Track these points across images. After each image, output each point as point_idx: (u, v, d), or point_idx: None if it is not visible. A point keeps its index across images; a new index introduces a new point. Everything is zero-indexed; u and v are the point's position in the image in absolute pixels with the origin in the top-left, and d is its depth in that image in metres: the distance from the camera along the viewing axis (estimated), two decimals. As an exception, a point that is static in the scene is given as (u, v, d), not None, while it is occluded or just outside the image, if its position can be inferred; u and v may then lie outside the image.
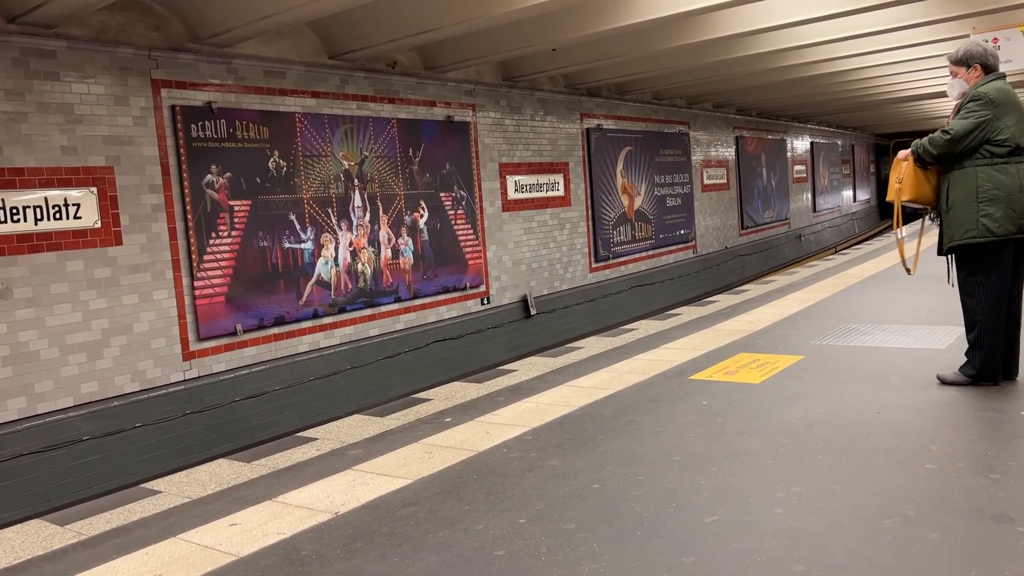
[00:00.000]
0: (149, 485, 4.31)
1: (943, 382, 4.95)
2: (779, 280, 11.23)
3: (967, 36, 11.17)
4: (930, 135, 4.76)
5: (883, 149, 35.11)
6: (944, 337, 6.29)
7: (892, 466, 3.70)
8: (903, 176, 4.87)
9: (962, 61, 4.84)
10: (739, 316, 8.22)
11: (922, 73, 17.10)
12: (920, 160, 4.81)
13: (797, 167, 25.66)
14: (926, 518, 3.10)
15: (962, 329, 4.98)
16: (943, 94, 20.36)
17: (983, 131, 4.55)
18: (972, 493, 3.32)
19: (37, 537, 3.65)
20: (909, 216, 23.42)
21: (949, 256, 4.83)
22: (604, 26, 9.78)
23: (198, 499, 4.00)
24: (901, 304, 8.19)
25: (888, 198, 5.00)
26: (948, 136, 4.61)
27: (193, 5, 8.13)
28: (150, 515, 3.83)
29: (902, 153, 4.94)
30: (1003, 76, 4.80)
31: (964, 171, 4.64)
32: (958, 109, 4.77)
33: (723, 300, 9.60)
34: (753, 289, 10.37)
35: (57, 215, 7.32)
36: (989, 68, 4.80)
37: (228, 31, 8.16)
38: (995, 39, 11.17)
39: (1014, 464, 3.62)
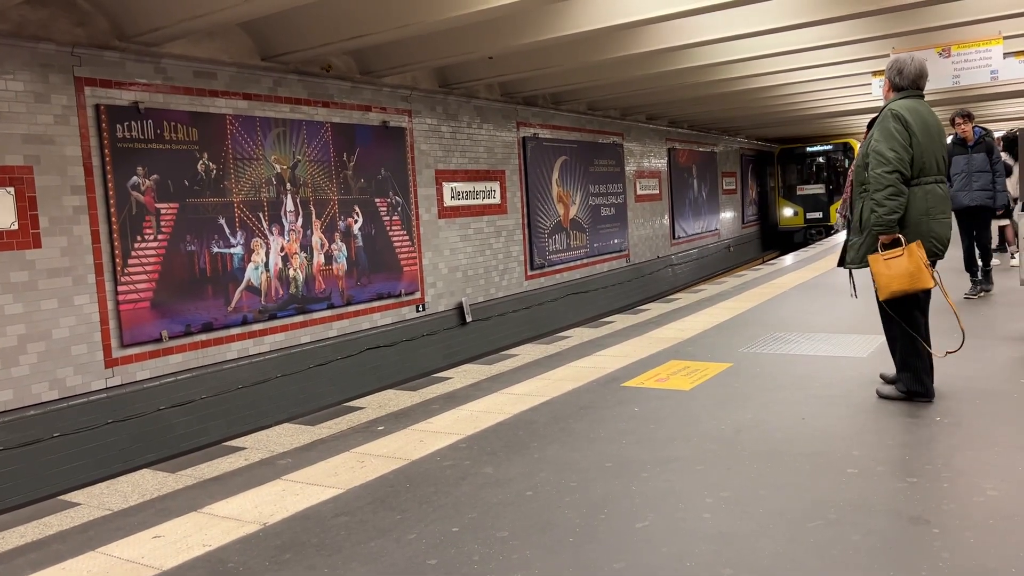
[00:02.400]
0: (67, 497, 4.15)
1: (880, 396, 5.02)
2: (709, 289, 11.46)
3: (887, 56, 11.59)
4: (872, 196, 4.55)
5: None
6: (865, 346, 6.50)
7: (816, 471, 3.80)
8: (906, 266, 4.50)
9: (885, 71, 4.95)
10: (670, 324, 8.36)
11: (848, 90, 17.72)
12: (888, 225, 4.54)
13: (727, 180, 26.24)
14: (848, 521, 3.20)
15: (882, 338, 5.15)
16: (866, 110, 21.17)
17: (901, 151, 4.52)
18: (891, 496, 3.44)
19: (-56, 553, 3.47)
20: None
21: (850, 271, 4.99)
22: (540, 36, 9.86)
23: (119, 511, 3.87)
24: (825, 313, 8.44)
25: (924, 284, 4.51)
26: (887, 168, 4.49)
27: (119, 1, 7.89)
28: (68, 528, 3.68)
29: (889, 251, 4.58)
30: (918, 96, 4.76)
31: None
32: (871, 122, 4.85)
33: (655, 308, 9.76)
34: (684, 298, 10.57)
35: (-30, 216, 7.01)
36: (896, 86, 4.79)
37: (156, 30, 7.94)
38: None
39: (930, 468, 3.77)
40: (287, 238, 9.98)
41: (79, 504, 4.01)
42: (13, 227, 7.31)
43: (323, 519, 3.57)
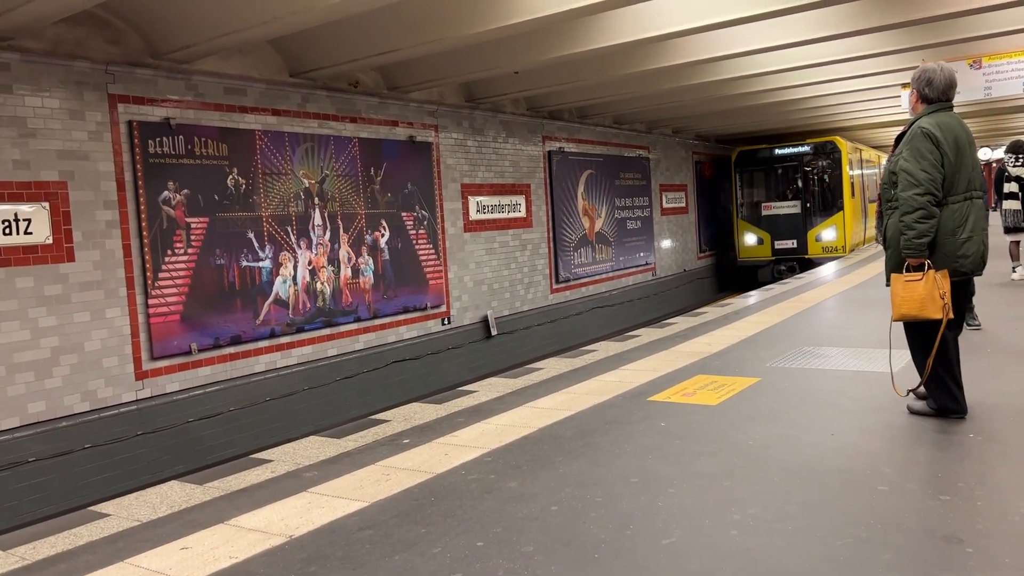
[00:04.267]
0: (97, 508, 4.19)
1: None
2: (736, 303, 11.37)
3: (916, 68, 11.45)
4: (901, 219, 4.46)
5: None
6: (896, 361, 6.41)
7: (846, 487, 3.75)
8: (921, 292, 4.42)
9: (911, 82, 4.79)
10: (697, 338, 8.30)
11: (877, 102, 17.56)
12: (918, 248, 4.43)
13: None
14: (879, 539, 3.15)
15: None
16: (895, 123, 20.96)
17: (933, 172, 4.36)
18: (923, 514, 3.38)
19: (-23, 563, 3.52)
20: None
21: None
22: (566, 50, 9.89)
23: (148, 522, 3.91)
24: (855, 327, 8.34)
25: (930, 314, 4.42)
26: (919, 191, 4.39)
27: (152, 20, 8.04)
28: (97, 539, 3.72)
29: (910, 274, 4.47)
30: (947, 108, 4.65)
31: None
32: (900, 136, 4.76)
33: (681, 322, 9.69)
34: (711, 311, 10.49)
35: (7, 230, 7.16)
36: (925, 98, 4.66)
37: (188, 47, 8.08)
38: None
39: (963, 486, 3.70)
40: (315, 252, 10.06)
41: (109, 515, 4.05)
42: (48, 241, 7.45)
43: (348, 532, 3.58)
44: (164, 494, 4.35)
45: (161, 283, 8.35)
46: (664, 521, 3.46)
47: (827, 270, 16.11)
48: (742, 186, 21.66)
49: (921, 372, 4.74)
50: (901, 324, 4.74)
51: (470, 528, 3.52)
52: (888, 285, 4.72)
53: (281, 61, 9.75)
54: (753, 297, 11.98)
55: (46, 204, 7.46)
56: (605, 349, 8.05)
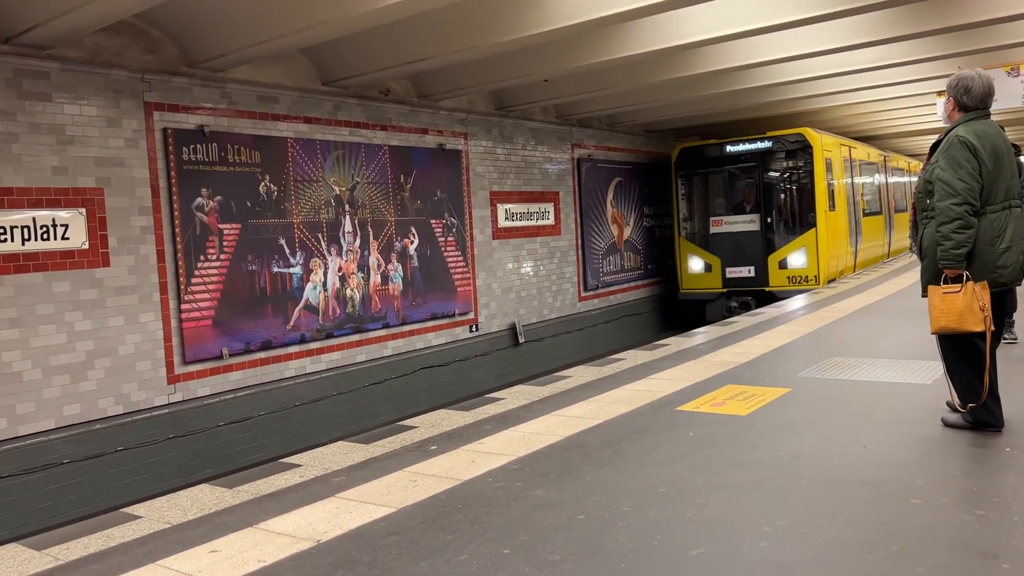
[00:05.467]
0: (129, 510, 4.25)
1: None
2: (767, 312, 11.26)
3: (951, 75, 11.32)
4: (938, 229, 4.36)
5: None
6: (930, 372, 6.31)
7: (878, 500, 3.69)
8: (960, 304, 4.32)
9: (947, 89, 4.71)
10: (727, 348, 8.23)
11: (913, 110, 17.36)
12: (956, 260, 4.33)
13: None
14: (912, 553, 3.09)
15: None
16: (932, 131, 20.70)
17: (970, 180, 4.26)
18: (958, 529, 3.32)
19: (13, 561, 3.58)
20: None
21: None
22: (596, 58, 9.89)
23: (178, 525, 3.95)
24: (888, 338, 8.22)
25: (970, 327, 4.31)
26: (956, 200, 4.31)
27: (188, 29, 8.17)
28: (129, 540, 3.77)
29: (948, 286, 4.36)
30: (985, 116, 4.55)
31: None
32: (935, 145, 4.67)
33: (711, 331, 9.62)
34: (741, 321, 10.40)
35: (45, 235, 7.30)
36: (962, 106, 4.58)
37: (222, 56, 8.20)
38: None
39: (999, 500, 3.62)
40: (345, 258, 10.14)
41: (140, 517, 4.10)
42: (84, 246, 7.58)
43: (375, 538, 3.59)
44: (195, 497, 4.39)
45: (194, 288, 8.46)
46: (692, 532, 3.43)
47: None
48: (685, 194, 16.56)
49: (956, 386, 4.66)
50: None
51: (496, 536, 3.52)
52: (925, 296, 4.64)
53: (313, 69, 9.85)
54: (785, 306, 11.83)
55: (83, 210, 7.60)
56: (633, 358, 8.01)
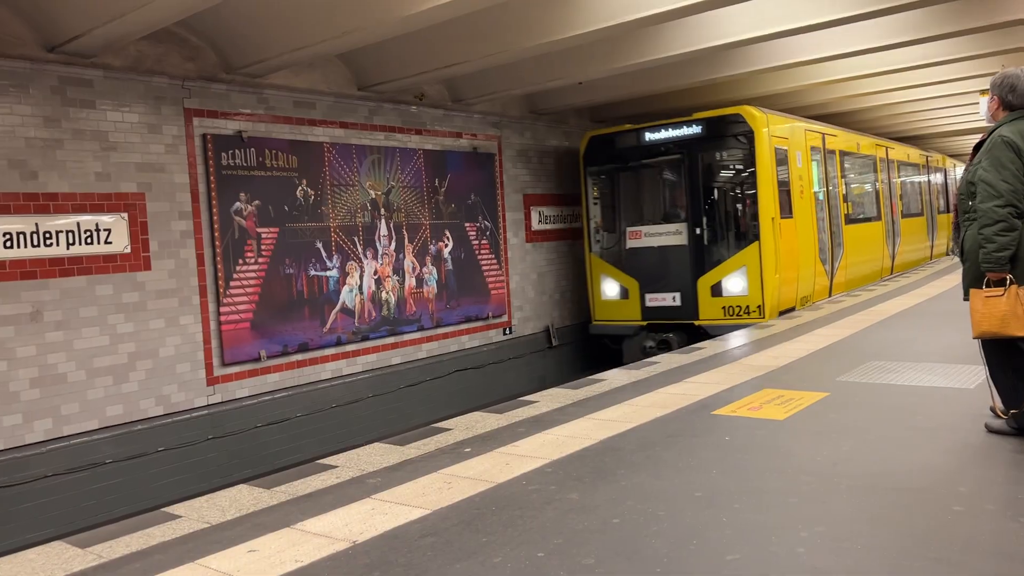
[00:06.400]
0: (170, 509, 4.32)
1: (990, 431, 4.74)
2: (804, 315, 11.12)
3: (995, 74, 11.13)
4: (980, 231, 4.27)
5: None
6: (972, 376, 6.18)
7: (918, 507, 3.62)
8: (1003, 308, 4.21)
9: (991, 87, 4.62)
10: (763, 351, 8.14)
11: (955, 109, 17.06)
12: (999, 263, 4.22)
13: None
14: (953, 561, 3.03)
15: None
16: (973, 131, 20.31)
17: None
18: (1001, 537, 3.25)
19: (59, 559, 3.66)
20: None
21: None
22: (632, 60, 9.86)
23: (217, 524, 4.01)
24: (929, 342, 8.07)
25: (1013, 331, 4.17)
26: (999, 202, 4.21)
27: (227, 36, 8.31)
28: (169, 539, 3.83)
29: (991, 289, 4.24)
30: None
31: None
32: (978, 145, 4.58)
33: (748, 335, 9.52)
34: (778, 324, 10.28)
35: (88, 240, 7.46)
36: (1007, 104, 4.46)
37: (260, 62, 8.32)
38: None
39: (1045, 508, 3.54)
40: (380, 261, 10.22)
41: (180, 516, 4.17)
42: (126, 250, 7.73)
43: (410, 539, 3.61)
44: (233, 497, 4.45)
45: (232, 291, 8.58)
46: (728, 537, 3.40)
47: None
48: (598, 197, 13.05)
49: (1000, 391, 4.57)
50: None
51: (531, 539, 3.52)
52: (966, 300, 4.55)
53: (349, 75, 9.96)
54: (823, 308, 11.65)
55: (125, 215, 7.75)
56: (668, 361, 7.96)
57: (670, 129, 11.88)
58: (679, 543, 3.37)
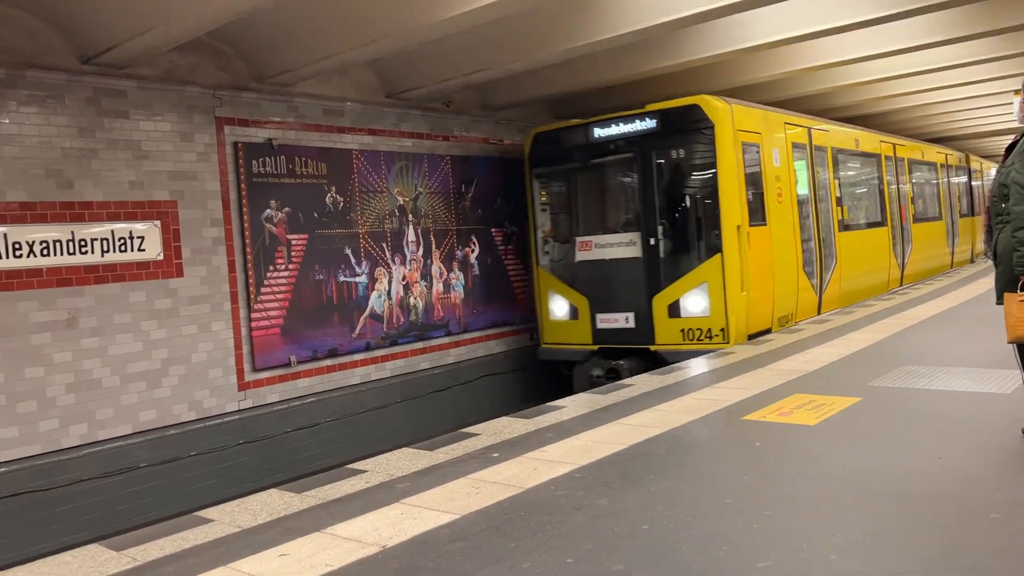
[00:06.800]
0: (202, 513, 4.37)
1: None
2: (835, 320, 10.99)
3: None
4: (1014, 234, 4.22)
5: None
6: (1010, 381, 6.07)
7: (954, 514, 3.57)
8: None
9: (1023, 87, 4.60)
10: (794, 356, 8.06)
11: (990, 109, 16.82)
12: None
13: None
14: (988, 569, 2.98)
15: (1028, 373, 4.77)
16: (1007, 132, 19.98)
17: None
18: (1040, 545, 3.18)
19: (94, 562, 3.72)
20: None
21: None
22: (662, 63, 9.83)
23: (249, 528, 4.05)
24: (964, 346, 7.94)
25: None
26: None
27: (257, 45, 8.41)
28: (202, 543, 3.88)
29: None
30: None
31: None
32: (1011, 146, 4.51)
33: (778, 339, 9.43)
34: (808, 328, 10.17)
35: (122, 247, 7.58)
36: None
37: (290, 71, 8.42)
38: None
39: (1085, 516, 3.47)
40: (409, 267, 10.27)
41: (213, 520, 4.22)
42: (159, 257, 7.85)
43: (439, 544, 3.62)
44: (264, 502, 4.50)
45: (263, 297, 8.67)
46: (759, 543, 3.37)
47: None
48: (545, 203, 11.60)
49: None
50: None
51: (559, 544, 3.51)
52: (1000, 304, 4.48)
53: (377, 82, 10.03)
54: (855, 313, 11.49)
55: (158, 222, 7.87)
56: (697, 366, 7.91)
57: (621, 124, 10.34)
58: (709, 549, 3.34)
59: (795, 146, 11.24)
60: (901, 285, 15.00)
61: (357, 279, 9.65)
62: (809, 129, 11.80)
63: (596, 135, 10.52)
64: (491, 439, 5.53)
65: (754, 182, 10.16)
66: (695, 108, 9.71)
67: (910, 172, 16.19)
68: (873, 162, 14.53)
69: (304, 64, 8.27)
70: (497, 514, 3.97)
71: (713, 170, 9.79)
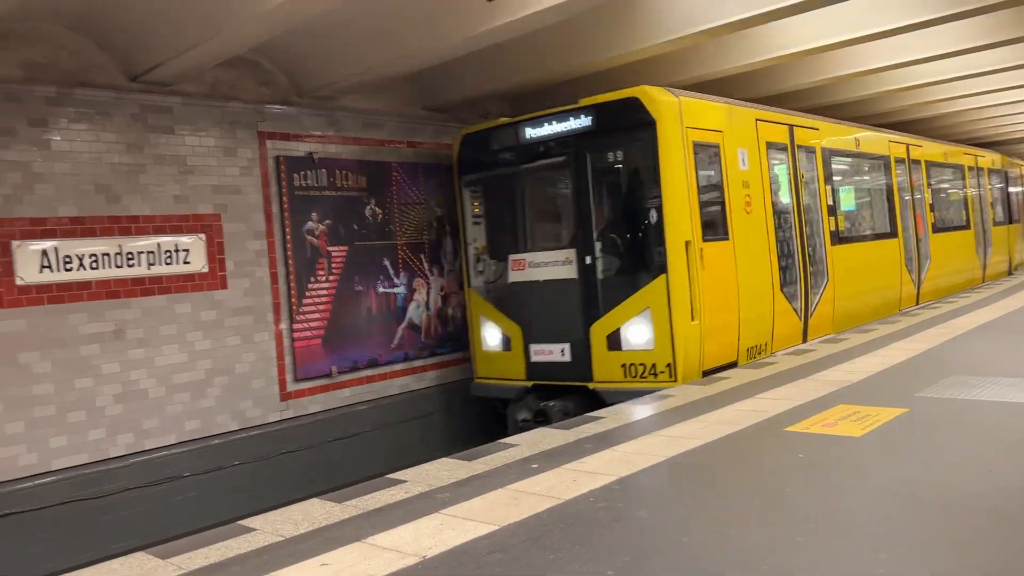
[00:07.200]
0: (245, 522, 4.42)
1: None
2: (881, 329, 10.79)
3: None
4: None
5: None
6: (1063, 392, 5.90)
7: (1003, 528, 3.47)
8: None
9: None
10: (839, 366, 7.92)
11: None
12: None
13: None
14: (1044, 587, 2.90)
15: (1082, 384, 4.62)
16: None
17: None
18: (1096, 562, 3.09)
19: (140, 569, 3.79)
20: None
21: None
22: (699, 72, 9.78)
23: (291, 537, 4.09)
24: (1015, 356, 7.74)
25: None
26: None
27: (298, 61, 8.55)
28: (246, 552, 3.92)
29: None
30: None
31: None
32: None
33: (821, 349, 9.28)
34: (853, 338, 10.00)
35: (168, 260, 7.74)
36: None
37: (330, 84, 8.54)
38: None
39: None
40: (446, 278, 10.32)
41: (256, 529, 4.27)
42: (204, 270, 7.99)
43: (479, 555, 3.62)
44: (306, 511, 4.54)
45: (305, 309, 8.78)
46: (803, 558, 3.32)
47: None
48: (479, 214, 10.00)
49: None
50: None
51: (599, 556, 3.49)
52: None
53: (415, 95, 10.13)
54: (901, 322, 11.27)
55: (202, 235, 8.02)
56: (739, 377, 7.82)
57: (554, 122, 8.73)
58: (752, 564, 3.30)
59: (772, 147, 9.58)
60: (918, 304, 13.28)
61: (396, 290, 9.73)
62: (791, 127, 10.09)
63: (527, 136, 8.98)
64: (530, 450, 5.52)
65: (712, 189, 8.58)
66: (633, 101, 8.15)
67: (929, 176, 14.43)
68: (879, 165, 12.76)
69: (343, 78, 8.39)
70: (536, 525, 3.96)
71: (654, 173, 8.14)
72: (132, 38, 7.24)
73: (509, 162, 9.34)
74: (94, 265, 7.30)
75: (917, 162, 13.90)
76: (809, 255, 10.09)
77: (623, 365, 8.32)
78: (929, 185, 14.32)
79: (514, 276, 9.17)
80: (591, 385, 8.50)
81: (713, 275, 8.28)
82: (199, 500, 7.82)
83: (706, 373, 8.12)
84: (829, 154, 10.87)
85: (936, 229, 14.39)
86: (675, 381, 7.97)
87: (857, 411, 5.81)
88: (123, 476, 7.38)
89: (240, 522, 4.44)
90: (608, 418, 6.19)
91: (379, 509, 4.45)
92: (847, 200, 11.87)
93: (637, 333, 8.22)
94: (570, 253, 8.72)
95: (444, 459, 5.51)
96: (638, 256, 8.52)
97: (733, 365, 8.47)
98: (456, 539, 3.85)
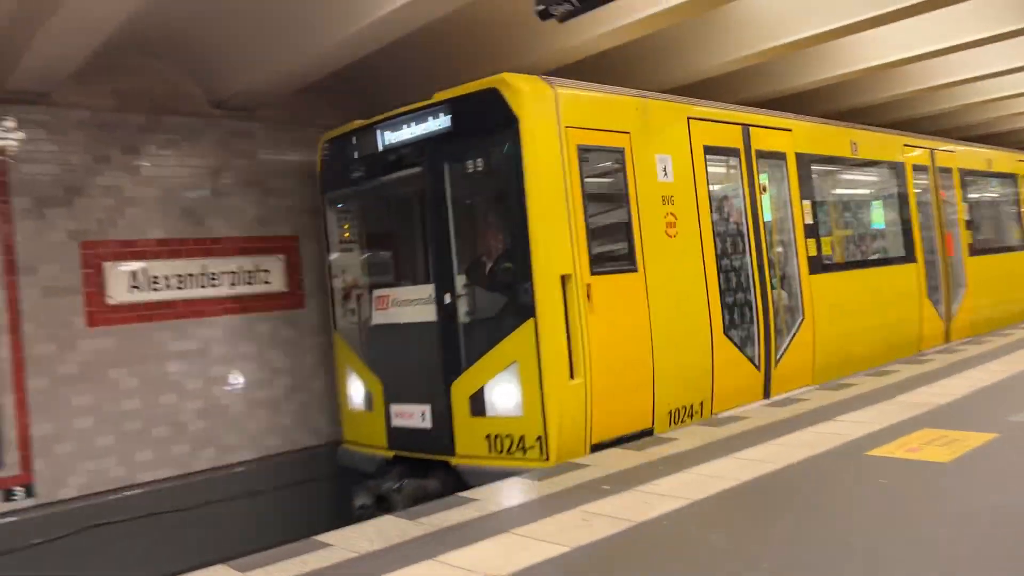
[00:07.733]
0: (321, 538, 4.51)
1: None
2: (970, 349, 10.35)
3: None
4: None
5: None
6: None
7: (1107, 564, 3.28)
8: None
9: None
10: (922, 388, 7.63)
11: None
12: None
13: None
14: None
15: None
16: None
17: None
18: None
19: (221, 582, 3.90)
20: None
21: None
22: (780, 87, 9.66)
23: (366, 554, 4.15)
24: (1116, 379, 7.33)
25: None
26: None
27: (370, 82, 8.74)
28: (322, 567, 4.00)
29: None
30: None
31: None
32: None
33: (904, 370, 8.96)
34: (937, 359, 9.62)
35: (249, 280, 7.98)
36: None
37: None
38: None
39: None
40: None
41: (331, 545, 4.35)
42: (283, 290, 8.22)
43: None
44: (380, 528, 4.60)
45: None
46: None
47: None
48: (347, 238, 8.16)
49: None
50: None
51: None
52: None
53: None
54: (991, 342, 10.77)
55: (282, 256, 8.25)
56: (818, 399, 7.61)
57: (412, 124, 6.96)
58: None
59: (715, 152, 7.62)
60: (947, 341, 10.92)
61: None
62: (746, 127, 7.96)
63: (386, 141, 7.20)
64: (601, 471, 5.48)
65: (610, 207, 6.79)
66: (490, 94, 6.28)
67: (963, 188, 11.85)
68: (889, 174, 10.46)
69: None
70: (607, 548, 3.92)
71: (519, 186, 6.16)
72: (215, 67, 7.54)
73: (370, 175, 7.40)
74: (180, 285, 7.58)
75: (947, 170, 11.47)
76: (773, 288, 8.10)
77: (487, 436, 6.39)
78: (965, 198, 11.86)
79: (377, 317, 7.34)
80: (453, 460, 6.54)
81: (608, 318, 6.35)
82: (276, 515, 7.94)
83: (597, 447, 6.20)
84: (808, 161, 8.77)
85: (974, 251, 11.89)
86: (547, 459, 5.98)
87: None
88: (205, 489, 7.58)
89: (316, 537, 4.53)
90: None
91: (451, 527, 4.49)
92: (837, 218, 9.81)
93: (503, 395, 6.29)
94: (427, 290, 6.87)
95: (515, 479, 5.50)
96: (503, 294, 6.53)
97: (648, 433, 6.56)
98: (526, 560, 3.84)
